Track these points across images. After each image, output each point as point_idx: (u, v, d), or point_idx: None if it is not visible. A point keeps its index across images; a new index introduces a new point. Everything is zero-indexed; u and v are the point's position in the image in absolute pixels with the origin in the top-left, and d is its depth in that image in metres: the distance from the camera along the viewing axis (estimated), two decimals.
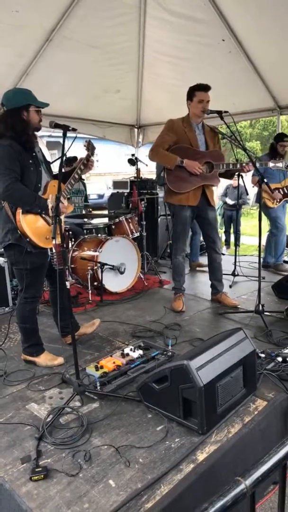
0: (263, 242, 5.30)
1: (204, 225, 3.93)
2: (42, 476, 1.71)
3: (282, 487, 1.13)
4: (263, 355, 2.63)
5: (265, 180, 3.32)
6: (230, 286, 4.59)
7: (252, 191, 6.67)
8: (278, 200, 5.02)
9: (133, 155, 5.74)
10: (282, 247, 5.23)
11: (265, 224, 5.42)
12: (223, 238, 8.63)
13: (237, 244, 5.85)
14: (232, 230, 8.38)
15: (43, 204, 2.52)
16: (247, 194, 6.98)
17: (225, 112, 3.58)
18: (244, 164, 3.67)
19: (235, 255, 4.96)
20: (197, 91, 3.62)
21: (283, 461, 1.03)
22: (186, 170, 3.60)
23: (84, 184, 5.61)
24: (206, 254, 4.15)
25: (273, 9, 3.95)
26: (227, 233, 8.59)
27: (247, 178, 4.98)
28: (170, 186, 3.67)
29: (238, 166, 3.72)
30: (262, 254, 5.55)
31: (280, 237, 5.13)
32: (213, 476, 1.76)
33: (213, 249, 3.93)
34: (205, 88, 3.61)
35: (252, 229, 10.49)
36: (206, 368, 1.96)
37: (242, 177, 4.95)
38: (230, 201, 8.18)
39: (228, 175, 4.00)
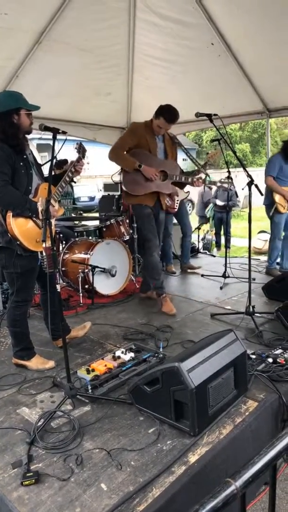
0: (253, 245, 5.34)
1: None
2: (34, 480, 1.70)
3: (272, 488, 1.14)
4: (254, 356, 2.64)
5: (255, 183, 3.33)
6: (221, 288, 4.61)
7: (242, 193, 6.71)
8: None
9: None
10: (277, 252, 5.21)
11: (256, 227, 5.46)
12: (214, 240, 8.67)
13: (227, 246, 5.87)
14: (222, 232, 8.43)
15: (34, 207, 2.52)
16: (237, 196, 7.03)
17: (215, 115, 3.61)
18: (194, 179, 3.91)
19: (226, 257, 4.98)
20: (163, 119, 3.65)
21: (273, 461, 1.03)
22: (142, 175, 3.70)
23: (72, 187, 5.60)
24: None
25: (262, 13, 3.99)
26: (217, 235, 8.63)
27: (237, 180, 5.02)
28: (125, 188, 3.78)
29: (190, 180, 3.93)
30: (278, 260, 5.58)
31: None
32: (205, 477, 1.77)
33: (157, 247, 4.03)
34: (171, 120, 3.68)
35: (242, 231, 10.56)
36: (197, 370, 1.96)
37: (232, 180, 4.98)
38: (220, 203, 8.23)
39: (181, 185, 4.18)
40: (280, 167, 4.82)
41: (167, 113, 3.65)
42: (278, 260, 5.52)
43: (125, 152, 3.75)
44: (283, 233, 5.11)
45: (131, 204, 3.90)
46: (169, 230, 5.35)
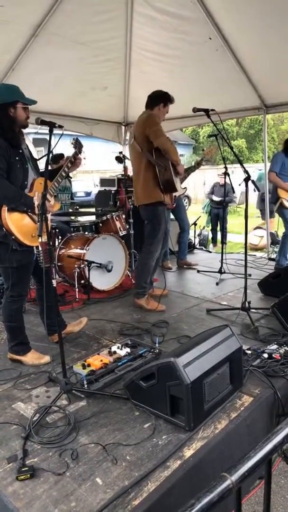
0: (249, 241, 5.34)
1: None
2: (29, 475, 1.70)
3: (267, 482, 1.14)
4: (249, 352, 2.65)
5: (252, 179, 3.33)
6: (217, 284, 4.62)
7: (239, 189, 6.71)
8: None
9: (120, 152, 5.72)
10: None
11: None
12: (210, 235, 8.68)
13: (223, 241, 5.88)
14: (218, 228, 8.43)
15: (29, 201, 2.50)
16: (234, 192, 7.03)
17: (212, 110, 3.60)
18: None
19: (222, 253, 4.99)
20: (170, 103, 3.71)
21: (268, 456, 1.04)
22: (174, 170, 3.64)
23: (70, 182, 5.58)
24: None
25: (260, 8, 3.97)
26: (213, 230, 8.64)
27: (234, 176, 5.01)
28: (176, 184, 3.64)
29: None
30: (273, 255, 5.57)
31: None
32: (200, 472, 1.78)
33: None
34: (173, 102, 3.75)
35: (238, 227, 10.58)
36: (193, 365, 1.97)
37: (229, 175, 4.98)
38: (216, 198, 8.22)
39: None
40: (283, 163, 4.84)
41: (170, 96, 3.70)
42: (273, 256, 5.53)
43: None
44: None
45: (159, 204, 3.65)
46: (167, 226, 5.34)
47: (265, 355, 2.58)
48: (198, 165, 5.09)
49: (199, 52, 4.86)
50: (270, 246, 6.73)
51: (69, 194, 5.46)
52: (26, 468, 1.73)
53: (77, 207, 5.27)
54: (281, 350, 2.64)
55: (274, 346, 2.71)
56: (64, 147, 2.99)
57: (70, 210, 5.23)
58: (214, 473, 1.80)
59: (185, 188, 5.08)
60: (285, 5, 3.83)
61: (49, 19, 4.19)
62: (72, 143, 2.75)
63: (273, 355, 2.57)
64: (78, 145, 2.77)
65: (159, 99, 3.70)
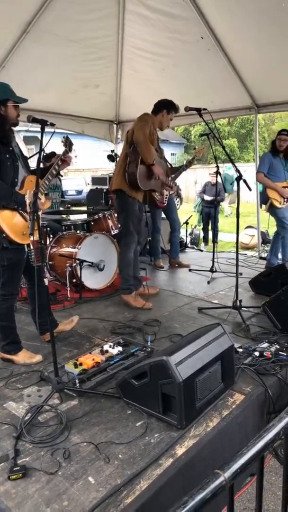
0: (240, 240, 5.37)
1: (139, 221, 3.99)
2: (21, 475, 1.69)
3: (259, 479, 1.15)
4: (241, 350, 2.67)
5: (243, 178, 3.35)
6: (208, 282, 4.64)
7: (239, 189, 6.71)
8: (286, 200, 4.96)
9: (112, 151, 5.72)
10: None
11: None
12: (201, 235, 8.71)
13: (215, 240, 5.91)
14: (210, 227, 8.47)
15: (20, 199, 2.49)
16: (225, 191, 7.06)
17: (204, 109, 3.61)
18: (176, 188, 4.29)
19: (213, 252, 5.01)
20: (173, 111, 3.84)
21: (261, 453, 1.05)
22: (149, 170, 3.70)
23: (60, 180, 5.55)
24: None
25: (252, 8, 3.99)
26: (205, 230, 8.68)
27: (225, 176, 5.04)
28: (139, 180, 3.66)
29: (169, 184, 4.16)
30: (264, 254, 5.60)
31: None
32: (192, 469, 1.78)
33: (140, 244, 4.16)
34: (178, 111, 3.89)
35: (229, 226, 10.64)
36: (185, 364, 1.97)
37: (220, 174, 5.01)
38: (208, 198, 8.26)
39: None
40: (270, 163, 4.88)
41: (174, 105, 3.83)
42: (264, 255, 5.58)
43: None
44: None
45: (127, 195, 3.73)
46: (158, 225, 5.37)
47: (256, 353, 2.60)
48: (189, 164, 5.10)
49: (191, 51, 4.88)
50: (261, 245, 6.78)
51: (59, 193, 5.44)
52: (18, 468, 1.72)
53: (69, 205, 5.25)
54: (272, 348, 2.66)
55: (265, 344, 2.73)
56: (55, 145, 2.98)
57: (61, 209, 5.21)
58: (206, 470, 1.81)
59: (177, 186, 5.10)
60: (277, 5, 3.85)
61: (40, 16, 4.16)
62: (62, 142, 2.74)
63: (264, 353, 2.59)
64: (68, 144, 2.76)
65: (162, 106, 3.84)
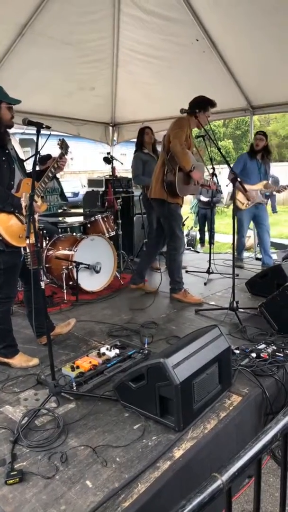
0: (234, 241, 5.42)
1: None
2: (18, 479, 1.68)
3: (257, 481, 1.15)
4: (237, 352, 2.67)
5: (239, 179, 3.36)
6: (205, 284, 4.64)
7: (226, 190, 6.77)
8: (249, 203, 5.08)
9: (108, 153, 5.71)
10: (241, 247, 5.50)
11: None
12: (198, 236, 8.71)
13: (211, 242, 5.91)
14: (206, 228, 8.47)
15: (16, 202, 2.48)
16: (221, 192, 7.08)
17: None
18: (211, 183, 4.12)
19: (210, 253, 5.02)
20: (210, 107, 3.73)
21: (258, 455, 1.05)
22: (187, 176, 3.74)
23: (59, 182, 5.54)
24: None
25: (246, 11, 4.01)
26: (201, 231, 8.67)
27: (221, 177, 5.06)
28: (177, 188, 3.72)
29: (207, 183, 4.09)
30: (260, 255, 5.68)
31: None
32: (190, 472, 1.78)
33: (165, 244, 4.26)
34: (215, 105, 3.79)
35: (226, 227, 10.65)
36: (182, 366, 1.97)
37: (216, 176, 5.01)
38: (204, 199, 8.26)
39: None
40: (245, 164, 4.94)
41: (210, 101, 3.73)
42: (260, 256, 5.61)
43: None
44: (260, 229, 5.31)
45: (167, 203, 3.81)
46: (154, 226, 5.37)
47: (253, 355, 2.60)
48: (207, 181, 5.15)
49: (186, 54, 4.89)
50: (257, 246, 6.79)
51: (58, 195, 5.42)
52: (15, 472, 1.71)
53: (65, 207, 5.24)
54: (269, 349, 2.66)
55: (262, 346, 2.73)
56: (51, 147, 2.98)
57: (60, 211, 5.19)
58: (203, 473, 1.80)
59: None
60: (271, 7, 3.88)
61: (35, 19, 4.17)
62: (58, 144, 2.74)
63: (261, 355, 2.59)
64: (64, 146, 2.75)
65: (197, 106, 3.72)
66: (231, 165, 4.98)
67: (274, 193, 5.39)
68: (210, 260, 4.92)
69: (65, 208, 5.03)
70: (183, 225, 7.29)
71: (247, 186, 4.90)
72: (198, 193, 8.62)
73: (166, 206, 3.83)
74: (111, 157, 5.41)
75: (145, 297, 4.23)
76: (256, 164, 5.12)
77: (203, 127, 3.79)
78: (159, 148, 5.02)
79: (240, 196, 4.97)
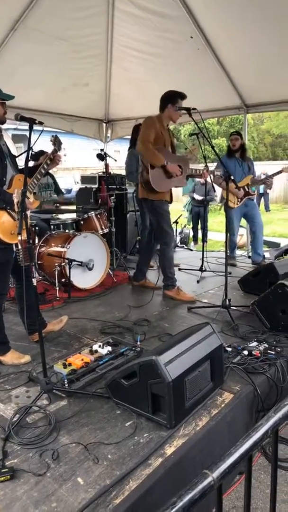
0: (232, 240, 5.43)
1: None
2: (8, 477, 1.67)
3: (248, 478, 1.16)
4: (229, 349, 2.68)
5: (232, 177, 3.37)
6: (198, 281, 4.65)
7: (219, 188, 6.78)
8: (239, 200, 5.12)
9: (101, 150, 5.69)
10: (233, 245, 5.59)
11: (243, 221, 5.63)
12: (191, 234, 8.73)
13: (204, 240, 5.93)
14: (199, 226, 8.49)
15: (8, 198, 2.46)
16: (215, 191, 7.10)
17: (194, 109, 3.61)
18: (204, 171, 4.14)
19: (203, 251, 5.03)
20: (180, 99, 3.77)
21: (249, 452, 1.05)
22: (165, 171, 3.77)
23: (52, 177, 5.50)
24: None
25: (241, 9, 4.01)
26: (194, 229, 8.70)
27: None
28: (153, 184, 3.77)
29: (198, 172, 4.14)
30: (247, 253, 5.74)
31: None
32: (181, 469, 1.79)
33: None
34: (185, 97, 3.81)
35: (219, 225, 10.69)
36: (175, 363, 1.97)
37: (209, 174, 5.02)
38: (198, 197, 8.28)
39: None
40: (225, 164, 4.99)
41: (181, 94, 3.78)
42: (250, 254, 5.66)
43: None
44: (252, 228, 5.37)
45: (151, 200, 3.90)
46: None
47: (245, 352, 2.62)
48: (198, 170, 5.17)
49: (180, 51, 4.88)
50: (250, 245, 6.82)
51: (51, 191, 5.39)
52: (6, 470, 1.70)
53: (58, 204, 5.21)
54: (260, 347, 2.67)
55: (254, 343, 2.75)
56: (44, 143, 2.96)
57: (55, 206, 5.15)
58: (195, 470, 1.81)
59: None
60: (266, 5, 3.88)
61: (28, 13, 4.13)
62: (51, 140, 2.72)
63: (253, 352, 2.60)
64: (57, 143, 2.74)
65: (166, 100, 3.81)
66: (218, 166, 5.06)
67: (268, 191, 5.46)
68: (203, 258, 4.93)
69: (57, 205, 5.00)
70: (176, 222, 7.33)
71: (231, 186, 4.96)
72: (189, 187, 8.63)
73: (149, 204, 3.94)
74: (105, 153, 5.39)
75: (138, 294, 4.23)
76: (236, 162, 5.21)
77: (197, 124, 3.79)
78: None
79: (229, 195, 4.99)
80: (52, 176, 5.48)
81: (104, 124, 7.04)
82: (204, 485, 0.92)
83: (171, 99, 3.77)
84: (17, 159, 2.81)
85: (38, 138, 2.36)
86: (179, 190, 11.96)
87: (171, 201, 4.05)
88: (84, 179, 6.37)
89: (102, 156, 5.39)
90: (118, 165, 6.63)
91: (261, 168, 11.44)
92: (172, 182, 3.89)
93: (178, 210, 11.25)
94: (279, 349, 2.66)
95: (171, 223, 4.06)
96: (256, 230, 5.32)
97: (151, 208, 3.99)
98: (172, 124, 4.04)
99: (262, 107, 5.80)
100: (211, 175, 4.74)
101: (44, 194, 5.22)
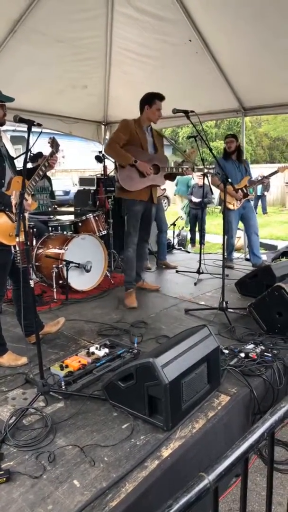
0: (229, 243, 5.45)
1: (143, 219, 4.05)
2: (4, 479, 1.67)
3: (244, 480, 1.16)
4: (226, 351, 2.69)
5: (230, 180, 3.38)
6: (195, 284, 4.66)
7: (217, 190, 6.80)
8: (239, 202, 5.14)
9: (100, 152, 5.69)
10: (231, 247, 5.60)
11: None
12: (189, 236, 8.73)
13: (202, 242, 5.95)
14: (197, 229, 8.50)
15: (7, 200, 2.46)
16: (212, 193, 7.11)
17: (192, 111, 3.62)
18: (184, 169, 4.12)
19: (200, 253, 5.03)
20: (157, 100, 3.80)
21: (245, 455, 1.05)
22: (137, 170, 3.79)
23: (49, 181, 5.51)
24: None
25: (239, 13, 4.03)
26: (192, 231, 8.70)
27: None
28: (122, 183, 3.80)
29: (180, 170, 4.13)
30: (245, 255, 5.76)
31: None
32: (178, 471, 1.79)
33: (145, 240, 4.25)
34: (163, 98, 3.84)
35: (216, 228, 10.69)
36: (171, 365, 1.98)
37: (207, 177, 5.04)
38: (195, 199, 8.29)
39: (171, 177, 4.32)
40: (223, 167, 5.01)
41: (159, 95, 3.81)
42: (248, 256, 5.67)
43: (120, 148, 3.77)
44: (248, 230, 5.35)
45: (124, 199, 3.95)
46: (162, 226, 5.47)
47: (242, 355, 2.62)
48: (185, 171, 5.15)
49: (179, 54, 4.90)
50: (247, 247, 6.83)
51: (47, 194, 5.39)
52: (2, 472, 1.69)
53: (56, 206, 5.21)
54: (257, 350, 2.68)
55: (251, 346, 2.75)
56: (43, 145, 2.96)
57: (49, 209, 5.17)
58: (191, 472, 1.81)
59: (164, 189, 5.12)
60: (264, 9, 3.90)
61: (28, 15, 4.13)
62: (49, 142, 2.72)
63: (249, 355, 2.61)
64: (55, 145, 2.74)
65: (143, 102, 3.85)
66: (214, 170, 5.08)
67: (265, 193, 5.48)
68: (200, 260, 4.94)
69: (55, 206, 5.00)
70: (174, 225, 7.34)
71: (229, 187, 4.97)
72: (182, 189, 8.62)
73: (124, 203, 4.04)
74: (103, 155, 5.39)
75: (136, 296, 4.23)
76: (233, 164, 5.24)
77: (195, 127, 3.80)
78: None
79: (229, 197, 5.00)
80: (49, 180, 5.48)
81: (103, 126, 7.05)
82: (200, 488, 0.92)
83: (147, 100, 3.81)
84: (15, 160, 2.81)
85: (36, 140, 2.37)
86: (170, 191, 11.94)
87: (152, 201, 4.01)
88: (82, 181, 6.38)
89: (100, 158, 5.39)
90: None
91: (258, 170, 11.47)
92: (147, 180, 3.87)
93: (175, 212, 11.28)
94: (275, 352, 2.67)
95: (134, 225, 3.96)
96: (252, 232, 5.34)
97: (124, 206, 4.08)
98: (154, 125, 4.00)
99: (260, 110, 5.82)
100: (208, 176, 4.76)
101: (39, 197, 5.22)
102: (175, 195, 11.87)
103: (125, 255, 4.07)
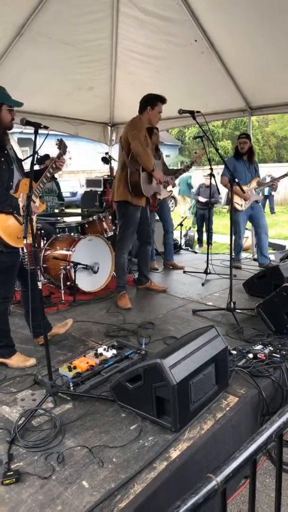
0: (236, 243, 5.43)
1: (141, 223, 4.05)
2: (14, 479, 1.68)
3: (252, 482, 1.16)
4: (234, 352, 2.68)
5: (237, 180, 3.37)
6: (203, 284, 4.65)
7: (224, 190, 6.78)
8: (246, 203, 5.12)
9: (106, 153, 5.72)
10: (239, 247, 5.55)
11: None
12: (196, 236, 8.72)
13: (209, 242, 5.93)
14: (204, 229, 8.48)
15: (15, 203, 2.48)
16: (219, 193, 7.09)
17: (198, 112, 3.62)
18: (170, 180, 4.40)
19: (208, 254, 5.02)
20: (160, 102, 3.77)
21: (253, 456, 1.05)
22: (149, 176, 3.78)
23: (57, 184, 5.54)
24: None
25: (245, 12, 4.01)
26: (199, 231, 8.69)
27: (219, 178, 5.08)
28: (143, 188, 3.76)
29: (167, 180, 4.24)
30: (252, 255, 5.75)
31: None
32: (186, 472, 1.79)
33: (147, 242, 4.25)
34: (165, 101, 3.81)
35: (224, 228, 10.66)
36: (179, 366, 1.97)
37: (214, 177, 5.03)
38: (202, 199, 8.28)
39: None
40: (234, 167, 4.98)
41: (161, 97, 3.77)
42: (256, 256, 5.64)
43: None
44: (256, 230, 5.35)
45: (125, 204, 3.84)
46: (152, 227, 5.38)
47: (250, 355, 2.61)
48: (187, 168, 5.14)
49: (184, 54, 4.89)
50: (255, 247, 6.80)
51: (55, 197, 5.42)
52: (12, 473, 1.71)
53: (63, 208, 5.24)
54: (265, 350, 2.67)
55: (259, 346, 2.74)
56: (50, 147, 2.98)
57: (56, 211, 5.20)
58: (200, 473, 1.81)
59: (170, 191, 5.12)
60: (270, 9, 3.88)
61: (34, 19, 4.16)
62: (56, 144, 2.74)
63: (258, 355, 2.60)
64: (62, 146, 2.75)
65: (145, 103, 3.81)
66: (223, 170, 5.06)
67: (273, 193, 5.44)
68: (208, 260, 4.93)
69: (62, 208, 5.03)
70: (181, 225, 7.33)
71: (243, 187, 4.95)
72: (184, 188, 8.58)
73: (126, 208, 3.85)
74: (110, 157, 5.42)
75: (143, 297, 4.24)
76: (244, 164, 5.22)
77: (201, 127, 3.79)
78: (161, 148, 5.06)
79: (236, 197, 4.98)
80: (57, 183, 5.51)
81: (109, 128, 7.08)
82: (208, 489, 0.92)
83: (150, 102, 3.77)
84: (23, 162, 2.83)
85: (43, 142, 2.38)
86: (175, 191, 12.02)
87: (145, 206, 4.01)
88: (89, 182, 6.41)
89: (107, 160, 5.42)
90: None
91: (266, 170, 11.41)
92: (153, 188, 3.90)
93: (179, 212, 11.26)
94: (284, 352, 2.65)
95: (131, 232, 3.96)
96: (261, 233, 5.31)
97: (125, 210, 3.87)
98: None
99: (267, 109, 5.79)
100: (214, 176, 4.74)
101: (47, 198, 5.26)
102: (178, 195, 11.88)
103: (117, 261, 4.02)
